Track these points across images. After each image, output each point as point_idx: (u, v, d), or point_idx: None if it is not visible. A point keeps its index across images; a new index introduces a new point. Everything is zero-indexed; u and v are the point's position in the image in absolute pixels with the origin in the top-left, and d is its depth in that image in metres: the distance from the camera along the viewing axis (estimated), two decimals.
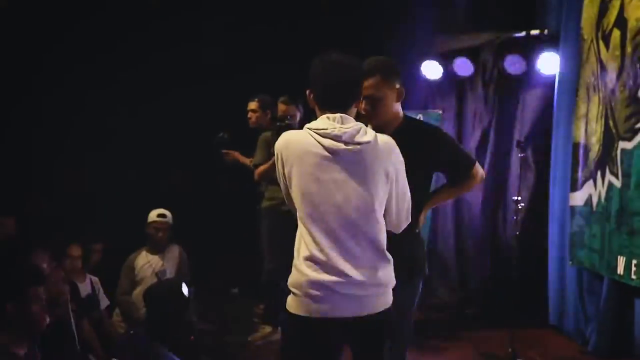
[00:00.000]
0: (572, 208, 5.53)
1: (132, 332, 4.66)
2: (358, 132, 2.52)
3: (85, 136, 6.32)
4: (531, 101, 6.30)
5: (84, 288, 4.94)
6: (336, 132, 2.49)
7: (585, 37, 5.42)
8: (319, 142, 2.50)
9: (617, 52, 4.87)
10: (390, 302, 2.58)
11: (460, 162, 3.13)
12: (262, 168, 5.13)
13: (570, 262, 5.52)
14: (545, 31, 6.14)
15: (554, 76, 6.02)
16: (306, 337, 2.54)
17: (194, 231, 6.31)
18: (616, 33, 4.90)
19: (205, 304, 5.76)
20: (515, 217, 4.95)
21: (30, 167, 6.11)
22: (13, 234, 4.82)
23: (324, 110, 2.57)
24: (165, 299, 4.47)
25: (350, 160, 2.50)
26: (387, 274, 2.57)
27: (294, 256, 2.55)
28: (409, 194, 2.66)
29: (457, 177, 3.17)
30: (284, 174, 2.56)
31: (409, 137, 2.84)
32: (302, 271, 2.50)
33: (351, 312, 2.50)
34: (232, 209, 6.71)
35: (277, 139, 2.60)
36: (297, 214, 2.54)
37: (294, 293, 2.52)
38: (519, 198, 4.98)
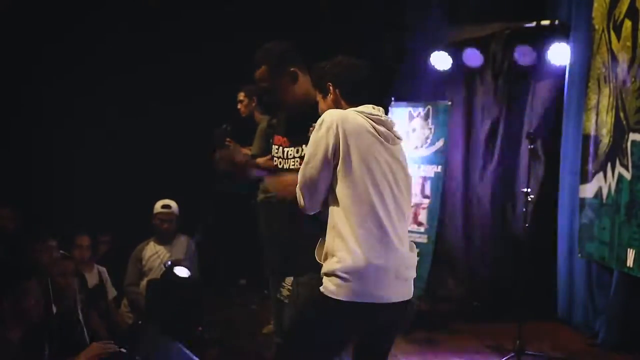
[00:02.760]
0: (582, 200, 5.50)
1: (139, 322, 4.69)
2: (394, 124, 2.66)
3: (94, 128, 6.34)
4: (541, 92, 6.25)
5: (92, 278, 4.96)
6: (385, 120, 2.60)
7: (596, 27, 5.37)
8: (372, 126, 2.56)
9: (629, 43, 4.82)
10: None
11: None
12: (260, 160, 5.10)
13: (579, 255, 5.49)
14: (556, 21, 6.09)
15: (565, 67, 5.97)
16: (352, 323, 2.50)
17: (203, 222, 6.32)
18: (627, 23, 4.85)
19: (213, 295, 5.78)
20: (524, 209, 4.92)
21: (39, 160, 6.13)
22: (11, 225, 4.83)
23: (352, 105, 2.64)
24: (171, 290, 4.50)
25: (395, 148, 2.62)
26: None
27: (337, 239, 2.47)
28: None
29: None
30: (337, 145, 2.48)
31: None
32: (357, 254, 2.43)
33: (402, 296, 2.53)
34: (241, 199, 6.71)
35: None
36: (345, 191, 2.47)
37: (343, 279, 2.43)
38: (528, 190, 4.94)
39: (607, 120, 5.13)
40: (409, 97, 6.46)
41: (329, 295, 2.46)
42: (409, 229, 6.26)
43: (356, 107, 2.62)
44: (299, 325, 2.64)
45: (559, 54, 5.95)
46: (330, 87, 2.69)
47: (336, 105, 2.67)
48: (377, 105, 2.65)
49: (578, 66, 5.74)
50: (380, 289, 2.47)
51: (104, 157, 6.43)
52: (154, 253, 5.30)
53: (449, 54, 6.63)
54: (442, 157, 6.06)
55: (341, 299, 2.45)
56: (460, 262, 6.95)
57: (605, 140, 5.16)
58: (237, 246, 6.74)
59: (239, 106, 5.89)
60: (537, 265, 5.74)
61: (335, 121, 2.51)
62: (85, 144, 6.31)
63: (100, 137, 6.41)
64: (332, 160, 2.50)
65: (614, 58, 5.06)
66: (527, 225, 4.89)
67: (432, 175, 6.06)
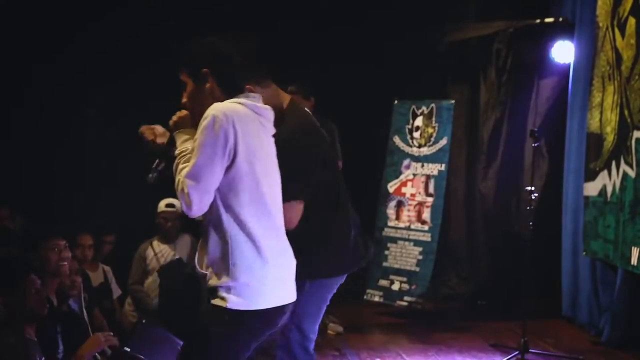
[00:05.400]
0: (586, 198, 5.48)
1: (143, 321, 4.69)
2: None
3: (98, 128, 6.35)
4: (545, 90, 6.24)
5: (97, 278, 4.97)
6: (268, 111, 2.47)
7: (601, 25, 5.35)
8: (258, 120, 2.42)
9: (633, 41, 4.80)
10: None
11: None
12: None
13: (584, 253, 5.48)
14: (560, 19, 6.08)
15: (569, 65, 5.96)
16: (257, 330, 2.39)
17: None
18: (632, 21, 4.84)
19: None
20: (528, 207, 4.91)
21: (40, 160, 6.14)
22: (11, 225, 4.82)
23: (228, 96, 2.42)
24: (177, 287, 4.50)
25: (271, 139, 2.49)
26: None
27: (231, 245, 2.31)
28: None
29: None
30: (234, 146, 2.29)
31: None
32: (257, 259, 2.32)
33: (292, 297, 2.46)
34: None
35: None
36: (238, 193, 2.31)
37: (247, 286, 2.31)
38: (533, 188, 4.93)
39: (612, 118, 5.11)
40: (413, 95, 6.45)
41: (234, 308, 2.29)
42: (413, 227, 6.31)
43: (233, 97, 2.41)
44: (201, 343, 2.38)
45: (563, 51, 5.94)
46: (209, 76, 2.43)
47: (212, 95, 2.42)
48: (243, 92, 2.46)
49: (582, 64, 5.72)
50: (280, 291, 2.40)
51: (107, 157, 6.44)
52: (157, 252, 5.30)
53: (453, 52, 6.62)
54: (445, 155, 6.06)
55: (245, 308, 2.31)
56: (464, 261, 6.94)
57: (610, 138, 5.14)
58: None
59: None
60: (542, 263, 5.73)
61: (230, 119, 2.29)
62: (88, 144, 6.32)
63: (103, 136, 6.42)
64: (227, 161, 2.29)
65: (618, 56, 5.04)
66: (531, 223, 4.88)
67: (436, 173, 6.06)
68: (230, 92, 2.42)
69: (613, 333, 4.99)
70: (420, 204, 6.08)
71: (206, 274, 2.36)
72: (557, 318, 5.83)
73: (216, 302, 2.32)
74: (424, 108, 6.25)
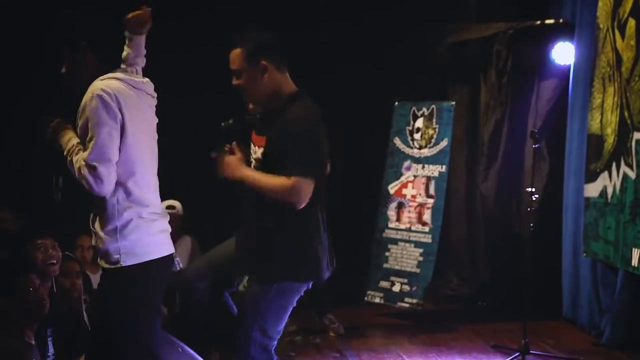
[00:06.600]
0: (587, 199, 5.48)
1: None
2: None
3: None
4: (545, 92, 6.24)
5: (98, 279, 4.96)
6: (147, 83, 2.63)
7: (601, 26, 5.35)
8: (137, 94, 2.56)
9: (633, 42, 4.80)
10: None
11: (289, 159, 2.75)
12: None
13: (585, 254, 5.47)
14: (560, 20, 6.08)
15: (569, 66, 5.96)
16: (164, 276, 2.67)
17: (207, 222, 6.32)
18: (632, 22, 4.84)
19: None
20: (529, 209, 4.91)
21: (40, 160, 6.12)
22: (13, 227, 4.81)
23: (103, 71, 2.53)
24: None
25: (153, 109, 2.69)
26: None
27: (129, 202, 2.53)
28: None
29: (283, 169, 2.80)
30: (122, 122, 2.47)
31: (276, 118, 2.86)
32: (150, 215, 2.58)
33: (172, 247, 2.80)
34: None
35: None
36: (128, 163, 2.50)
37: (139, 240, 2.55)
38: (533, 189, 4.94)
39: (612, 119, 5.11)
40: (413, 96, 6.45)
41: (145, 259, 2.53)
42: (413, 228, 6.31)
43: (108, 72, 2.52)
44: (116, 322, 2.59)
45: (564, 53, 5.94)
46: (86, 49, 2.54)
47: (88, 68, 2.54)
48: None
49: (582, 65, 5.73)
50: (167, 239, 2.71)
51: None
52: None
53: (454, 53, 6.62)
54: (446, 156, 6.06)
55: (158, 256, 2.58)
56: (465, 262, 6.94)
57: (610, 139, 5.14)
58: None
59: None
60: (542, 264, 5.73)
61: (112, 95, 2.44)
62: None
63: None
64: (119, 137, 2.48)
65: (618, 57, 5.04)
66: (531, 224, 4.88)
67: (437, 175, 6.06)
68: (107, 65, 2.54)
69: (614, 334, 4.99)
70: (421, 205, 6.08)
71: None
72: (557, 319, 5.83)
73: (110, 265, 2.53)
74: (424, 109, 6.25)
